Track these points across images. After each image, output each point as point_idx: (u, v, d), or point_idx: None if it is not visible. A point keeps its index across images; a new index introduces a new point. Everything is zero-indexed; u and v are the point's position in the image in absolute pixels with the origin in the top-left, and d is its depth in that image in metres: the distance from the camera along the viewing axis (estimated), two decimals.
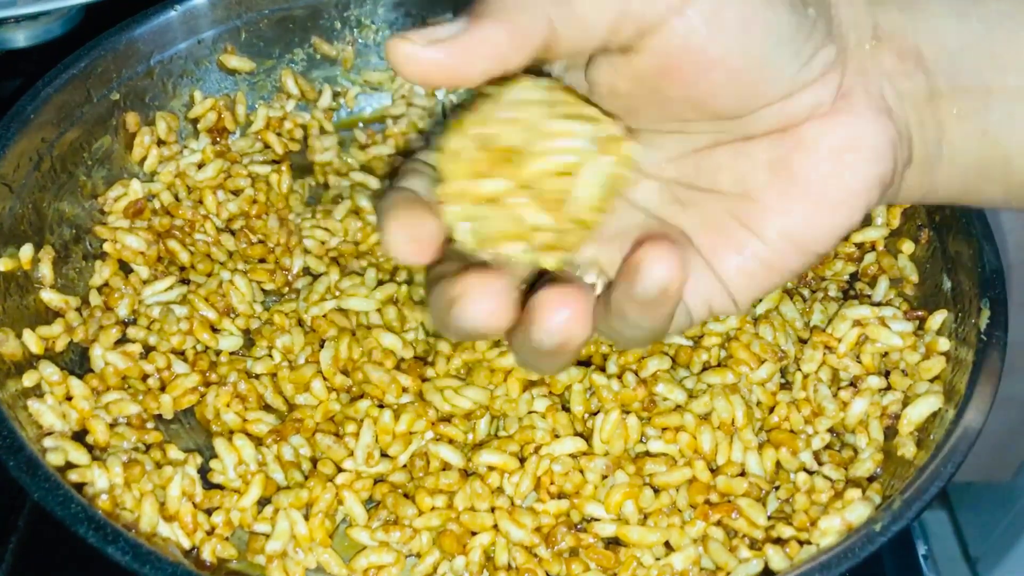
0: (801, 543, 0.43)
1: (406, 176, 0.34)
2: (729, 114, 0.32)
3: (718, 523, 0.45)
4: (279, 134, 0.62)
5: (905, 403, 0.47)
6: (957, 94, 0.34)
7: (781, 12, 0.31)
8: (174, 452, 0.48)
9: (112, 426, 0.48)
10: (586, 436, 0.48)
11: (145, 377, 0.50)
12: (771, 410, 0.49)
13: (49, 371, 0.48)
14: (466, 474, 0.47)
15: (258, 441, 0.48)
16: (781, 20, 0.31)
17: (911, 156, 0.34)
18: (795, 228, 0.33)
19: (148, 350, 0.51)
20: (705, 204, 0.35)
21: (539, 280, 0.34)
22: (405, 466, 0.48)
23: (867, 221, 0.56)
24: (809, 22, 0.31)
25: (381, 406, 0.49)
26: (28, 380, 0.47)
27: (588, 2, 0.30)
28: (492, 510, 0.46)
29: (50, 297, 0.51)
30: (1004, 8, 0.33)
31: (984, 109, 0.34)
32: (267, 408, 0.51)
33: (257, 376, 0.51)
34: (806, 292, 0.54)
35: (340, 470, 0.48)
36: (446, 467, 0.47)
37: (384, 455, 0.48)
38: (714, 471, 0.47)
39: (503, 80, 0.31)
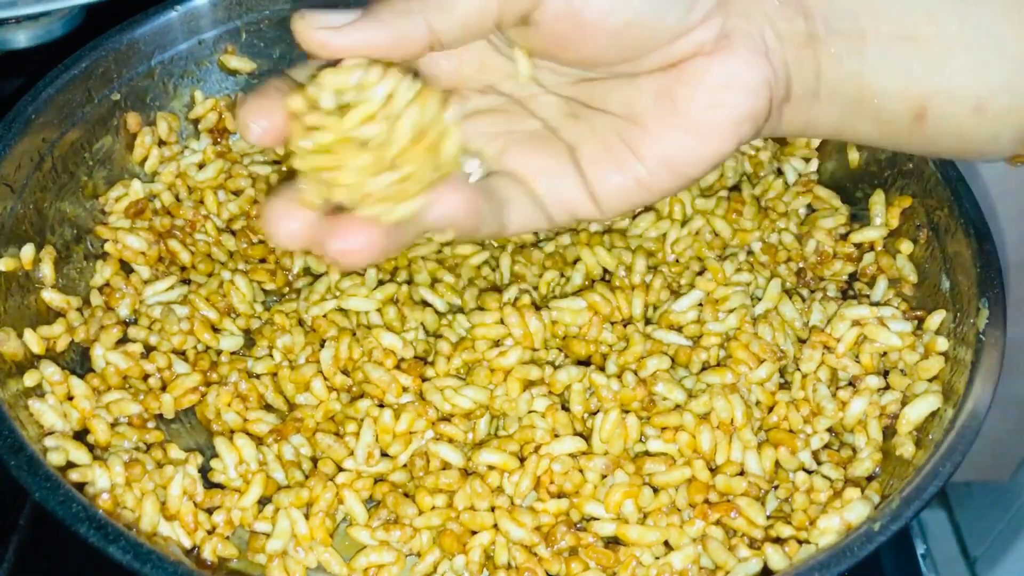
0: (800, 542, 0.43)
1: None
2: (618, 63, 0.36)
3: (717, 522, 0.45)
4: None
5: (904, 403, 0.48)
6: (834, 37, 0.36)
7: None
8: (175, 451, 0.48)
9: (113, 426, 0.48)
10: (586, 436, 0.48)
11: (146, 377, 0.51)
12: (770, 410, 0.49)
13: (50, 371, 0.48)
14: (466, 473, 0.47)
15: (259, 440, 0.49)
16: None
17: (789, 93, 0.37)
18: (671, 153, 0.37)
19: (149, 350, 0.51)
20: (595, 121, 0.38)
21: None
22: (405, 465, 0.48)
23: (867, 221, 0.56)
24: None
25: (381, 406, 0.49)
26: (29, 380, 0.47)
27: (465, 6, 0.33)
28: (492, 509, 0.46)
29: (51, 297, 0.51)
30: None
31: (858, 52, 0.36)
32: (268, 408, 0.51)
33: (258, 376, 0.51)
34: (805, 292, 0.54)
35: (340, 469, 0.48)
36: (446, 466, 0.48)
37: (384, 454, 0.48)
38: (713, 470, 0.47)
39: None
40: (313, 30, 0.33)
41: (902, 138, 0.38)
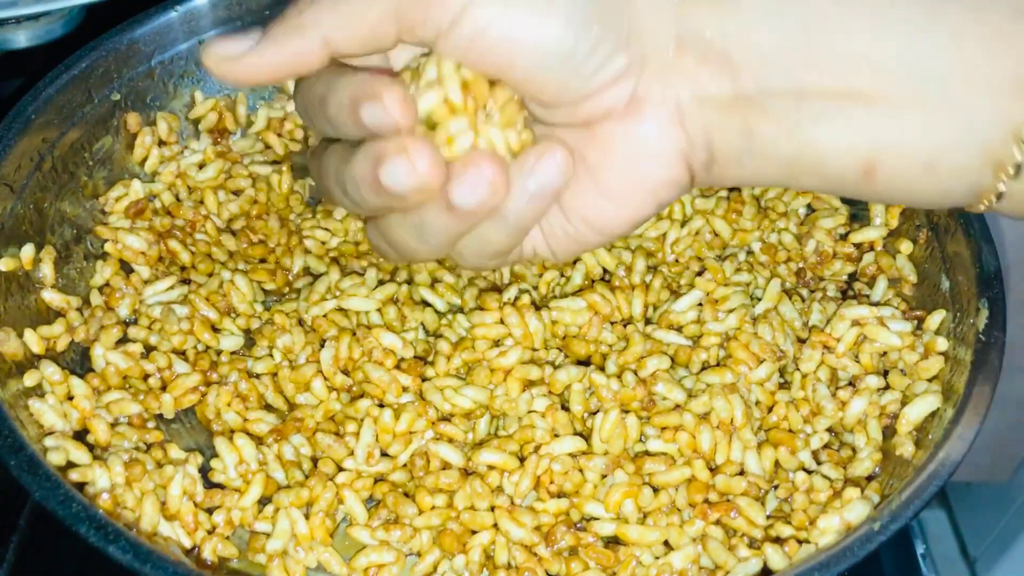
0: (800, 542, 0.43)
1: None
2: (538, 105, 0.35)
3: (717, 522, 0.45)
4: (280, 135, 0.62)
5: (904, 403, 0.48)
6: (768, 95, 0.34)
7: (556, 33, 0.32)
8: (175, 451, 0.48)
9: (113, 425, 0.48)
10: (586, 435, 0.48)
11: (146, 377, 0.51)
12: (770, 409, 0.49)
13: (50, 371, 0.48)
14: (466, 473, 0.47)
15: (259, 440, 0.49)
16: (556, 40, 0.32)
17: (713, 156, 0.35)
18: (590, 215, 0.36)
19: (149, 350, 0.51)
20: None
21: None
22: (405, 465, 0.48)
23: (866, 221, 0.56)
24: (591, 40, 0.33)
25: (381, 405, 0.49)
26: (29, 380, 0.47)
27: (360, 19, 0.33)
28: (492, 509, 0.46)
29: (51, 297, 0.51)
30: (823, 6, 0.33)
31: (796, 110, 0.34)
32: (268, 407, 0.51)
33: (258, 376, 0.51)
34: (805, 292, 0.54)
35: (340, 469, 0.48)
36: (446, 466, 0.48)
37: (384, 454, 0.48)
38: (713, 470, 0.47)
39: None
40: (216, 62, 0.34)
41: (850, 191, 0.36)
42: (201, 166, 0.59)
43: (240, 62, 0.34)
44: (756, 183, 0.38)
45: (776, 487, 0.47)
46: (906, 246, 0.54)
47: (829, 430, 0.48)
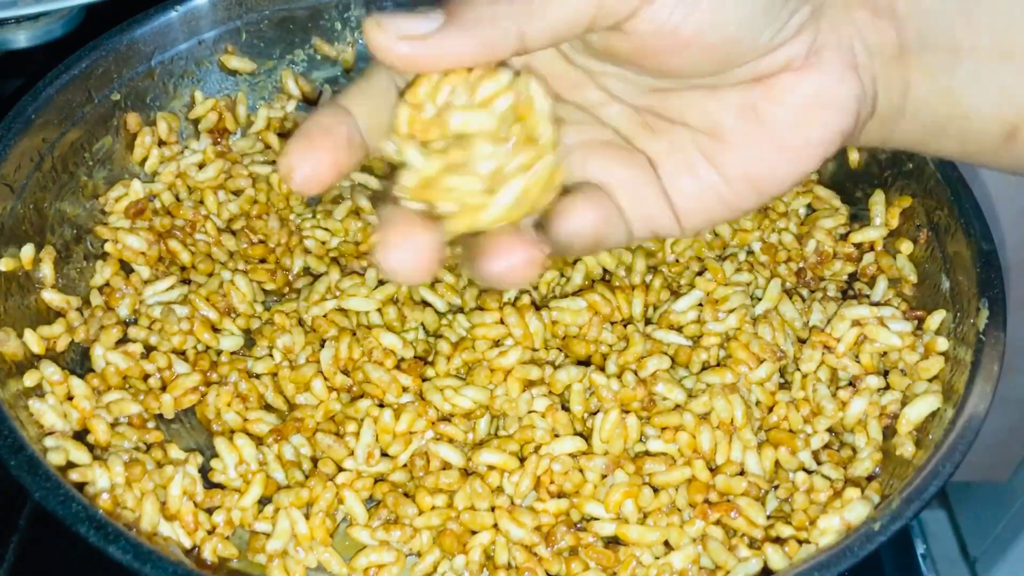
0: (800, 542, 0.43)
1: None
2: (704, 78, 0.34)
3: (717, 522, 0.45)
4: (280, 134, 0.62)
5: (904, 403, 0.48)
6: (926, 51, 0.34)
7: None
8: (175, 451, 0.48)
9: (113, 426, 0.48)
10: (586, 436, 0.48)
11: (146, 377, 0.51)
12: (770, 410, 0.49)
13: (50, 371, 0.48)
14: (466, 473, 0.47)
15: (259, 440, 0.49)
16: None
17: (874, 110, 0.35)
18: (754, 170, 0.35)
19: (149, 350, 0.51)
20: (672, 133, 0.36)
21: None
22: (405, 465, 0.48)
23: (866, 221, 0.56)
24: None
25: (381, 405, 0.49)
26: (29, 380, 0.47)
27: (559, 12, 0.31)
28: (492, 509, 0.46)
29: (51, 297, 0.51)
30: None
31: (951, 67, 0.35)
32: (268, 408, 0.51)
33: (258, 376, 0.51)
34: (805, 292, 0.54)
35: (340, 469, 0.48)
36: (446, 466, 0.48)
37: (384, 454, 0.48)
38: (713, 470, 0.47)
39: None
40: (394, 40, 0.29)
41: (987, 156, 0.37)
42: (201, 166, 0.59)
43: (427, 43, 0.30)
44: (893, 146, 0.38)
45: (776, 487, 0.47)
46: (906, 246, 0.54)
47: (829, 430, 0.48)
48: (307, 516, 0.46)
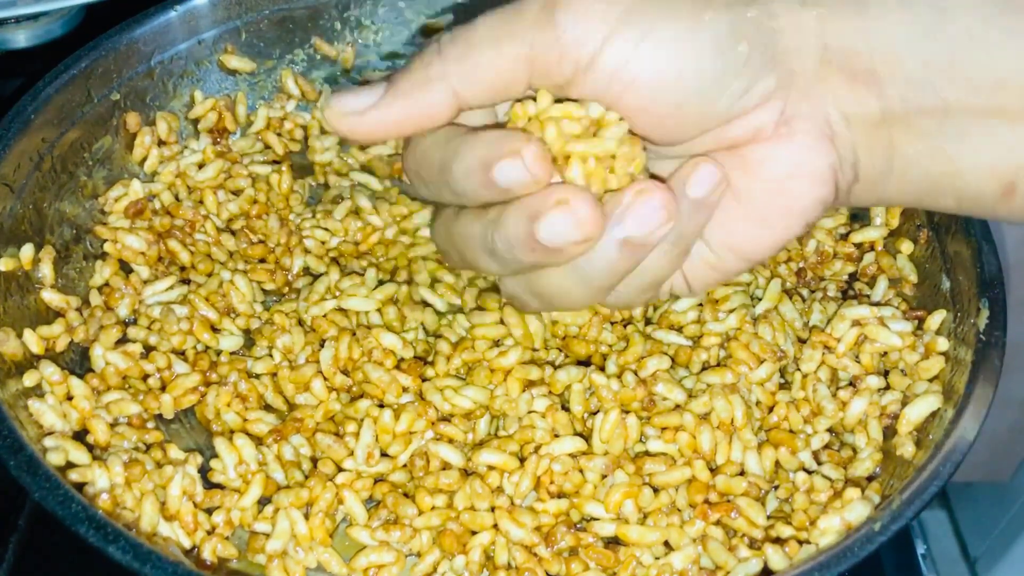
0: (800, 542, 0.43)
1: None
2: (669, 140, 0.34)
3: (717, 522, 0.45)
4: (279, 134, 0.62)
5: (904, 403, 0.48)
6: (912, 114, 0.33)
7: (704, 56, 0.31)
8: (174, 452, 0.48)
9: (113, 426, 0.48)
10: (586, 436, 0.48)
11: (146, 377, 0.51)
12: (770, 410, 0.49)
13: (50, 371, 0.48)
14: (466, 474, 0.47)
15: (258, 441, 0.49)
16: (703, 65, 0.31)
17: (857, 175, 0.35)
18: (736, 241, 0.36)
19: (148, 350, 0.51)
20: None
21: None
22: (405, 465, 0.48)
23: (867, 221, 0.56)
24: (740, 59, 0.32)
25: (381, 406, 0.49)
26: (29, 380, 0.47)
27: (489, 69, 0.31)
28: (492, 509, 0.46)
29: (51, 297, 0.51)
30: (974, 26, 0.33)
31: (939, 127, 0.33)
32: (267, 408, 0.51)
33: (257, 376, 0.51)
34: (805, 292, 0.54)
35: (340, 469, 0.48)
36: (446, 467, 0.47)
37: (384, 455, 0.48)
38: (713, 471, 0.47)
39: None
40: (339, 118, 0.32)
41: (986, 211, 0.36)
42: (201, 166, 0.59)
43: (365, 117, 0.32)
44: (890, 203, 0.38)
45: (776, 487, 0.47)
46: (907, 246, 0.54)
47: (830, 430, 0.48)
48: (307, 516, 0.46)
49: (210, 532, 0.46)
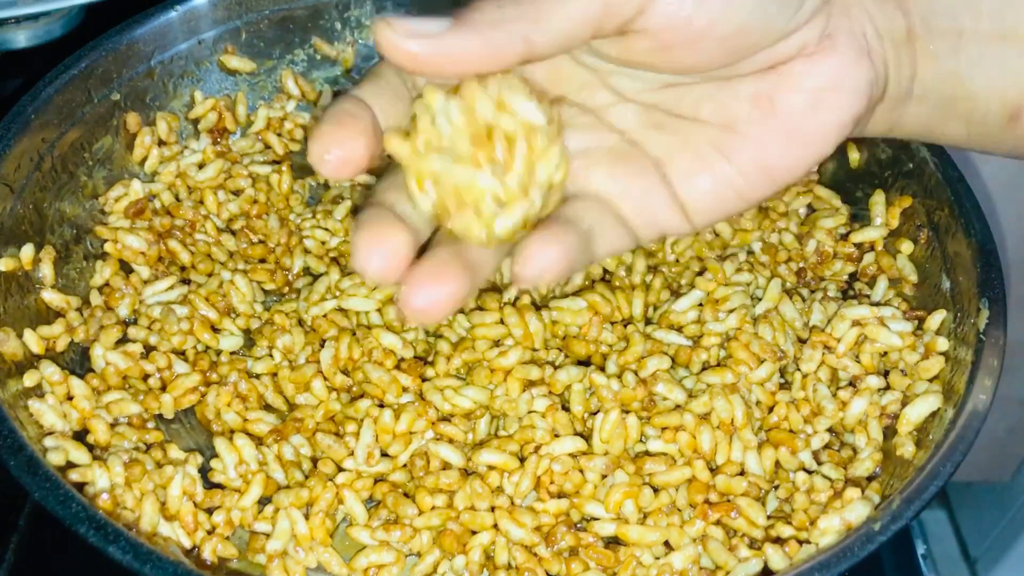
0: (800, 542, 0.43)
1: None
2: (719, 70, 0.34)
3: (717, 522, 0.45)
4: (280, 134, 0.62)
5: (904, 403, 0.48)
6: (932, 34, 0.36)
7: None
8: (175, 452, 0.48)
9: (113, 426, 0.48)
10: (586, 436, 0.48)
11: (146, 377, 0.51)
12: (770, 410, 0.49)
13: (50, 371, 0.48)
14: (466, 473, 0.47)
15: (259, 441, 0.49)
16: None
17: (884, 93, 0.36)
18: (769, 158, 0.35)
19: (149, 350, 0.51)
20: (684, 130, 0.36)
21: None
22: (405, 465, 0.48)
23: (867, 221, 0.56)
24: None
25: (381, 406, 0.49)
26: (29, 380, 0.47)
27: (564, 16, 0.31)
28: (492, 509, 0.46)
29: (51, 297, 0.51)
30: None
31: (955, 51, 0.36)
32: (268, 408, 0.51)
33: (258, 376, 0.51)
34: (805, 292, 0.54)
35: (340, 469, 0.48)
36: (446, 466, 0.47)
37: (384, 454, 0.48)
38: (713, 471, 0.47)
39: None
40: (402, 39, 0.30)
41: (992, 139, 0.38)
42: (201, 166, 0.59)
43: (436, 42, 0.30)
44: (901, 132, 0.39)
45: (776, 487, 0.47)
46: (907, 246, 0.54)
47: (830, 430, 0.48)
48: (307, 516, 0.46)
49: (210, 532, 0.46)
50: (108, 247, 0.55)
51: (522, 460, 0.47)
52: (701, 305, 0.52)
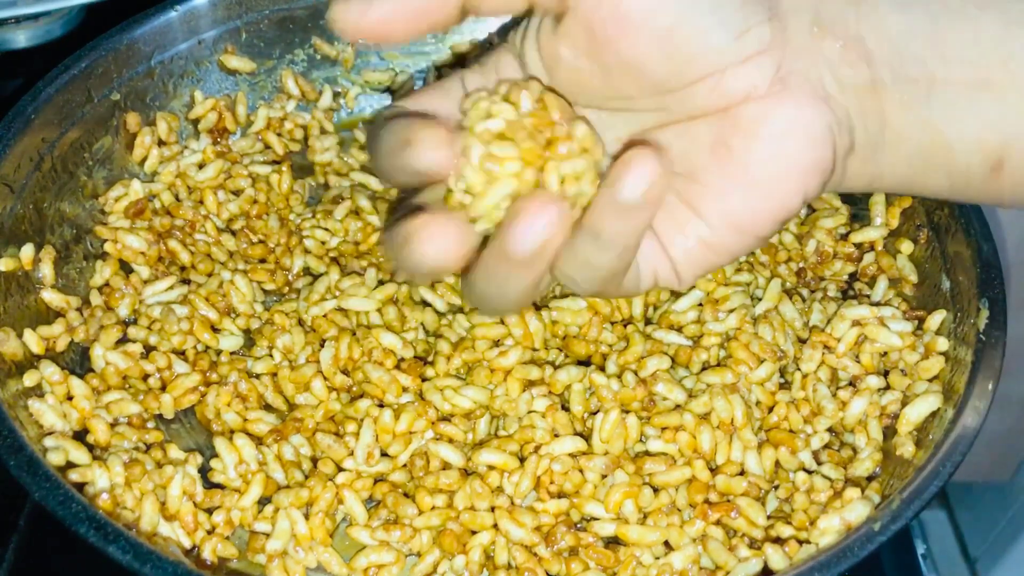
0: (800, 542, 0.43)
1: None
2: (663, 82, 0.34)
3: (717, 522, 0.45)
4: (279, 134, 0.62)
5: (904, 403, 0.48)
6: (900, 84, 0.34)
7: None
8: (175, 452, 0.48)
9: (113, 426, 0.48)
10: (586, 436, 0.48)
11: (146, 377, 0.51)
12: (770, 410, 0.49)
13: (50, 371, 0.48)
14: (466, 473, 0.47)
15: (258, 440, 0.49)
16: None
17: (853, 143, 0.35)
18: (734, 211, 0.35)
19: (149, 350, 0.51)
20: None
21: None
22: (405, 465, 0.48)
23: (867, 221, 0.56)
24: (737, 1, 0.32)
25: (381, 405, 0.49)
26: (29, 380, 0.47)
27: None
28: (492, 509, 0.46)
29: (51, 297, 0.51)
30: (947, 0, 0.34)
31: (927, 99, 0.34)
32: (267, 408, 0.51)
33: (257, 376, 0.51)
34: (805, 292, 0.54)
35: (340, 469, 0.48)
36: (446, 466, 0.47)
37: (384, 454, 0.48)
38: (713, 470, 0.47)
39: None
40: (341, 14, 0.32)
41: (977, 191, 0.36)
42: (201, 166, 0.59)
43: (370, 10, 0.32)
44: (882, 185, 0.37)
45: (776, 487, 0.47)
46: (907, 246, 0.54)
47: (830, 430, 0.48)
48: (307, 516, 0.46)
49: (210, 532, 0.46)
50: (108, 247, 0.55)
51: (522, 460, 0.47)
52: (701, 305, 0.52)
